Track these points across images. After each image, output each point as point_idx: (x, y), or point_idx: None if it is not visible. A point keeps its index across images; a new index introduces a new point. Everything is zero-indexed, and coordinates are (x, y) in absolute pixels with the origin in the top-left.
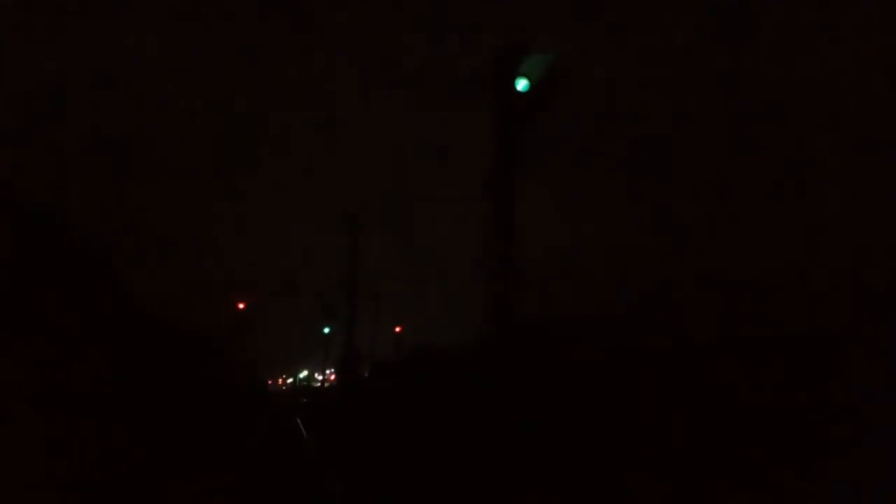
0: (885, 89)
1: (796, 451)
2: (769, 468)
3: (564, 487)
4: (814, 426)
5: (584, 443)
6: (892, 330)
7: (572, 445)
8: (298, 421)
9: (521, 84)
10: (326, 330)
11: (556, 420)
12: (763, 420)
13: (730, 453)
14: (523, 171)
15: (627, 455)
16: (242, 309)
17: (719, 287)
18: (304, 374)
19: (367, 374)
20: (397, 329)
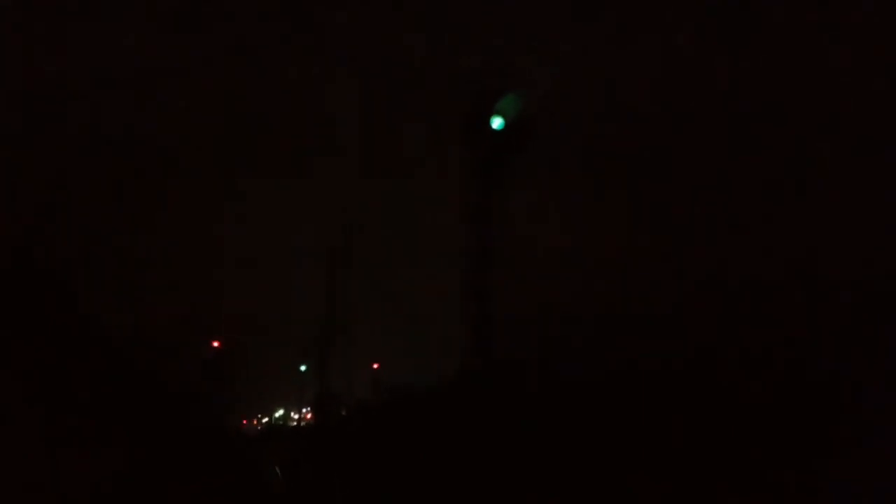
0: (886, 89)
1: (796, 451)
2: (769, 468)
3: None
4: (814, 426)
5: (579, 465)
6: (892, 330)
7: (567, 470)
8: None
9: (496, 122)
10: (303, 368)
11: (549, 445)
12: (763, 420)
13: (730, 453)
14: (502, 203)
15: (625, 463)
16: (219, 346)
17: (719, 287)
18: (279, 412)
19: (344, 414)
20: (375, 365)
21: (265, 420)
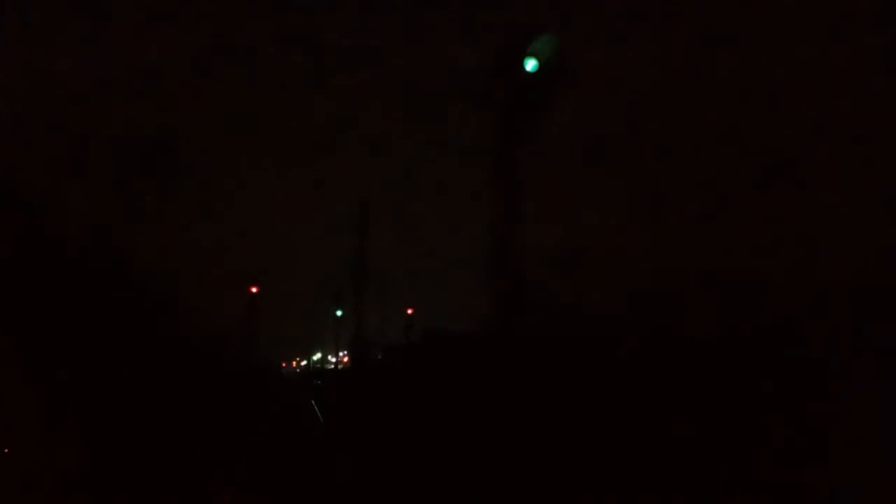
0: (886, 89)
1: (796, 451)
2: (769, 468)
3: (566, 474)
4: (814, 426)
5: (587, 435)
6: (892, 330)
7: (575, 437)
8: (313, 403)
9: (531, 64)
10: (339, 313)
11: (559, 411)
12: (762, 420)
13: (730, 453)
14: (528, 168)
15: (626, 448)
16: (255, 294)
17: (719, 286)
18: (317, 356)
19: (379, 357)
20: (409, 311)
21: (304, 363)
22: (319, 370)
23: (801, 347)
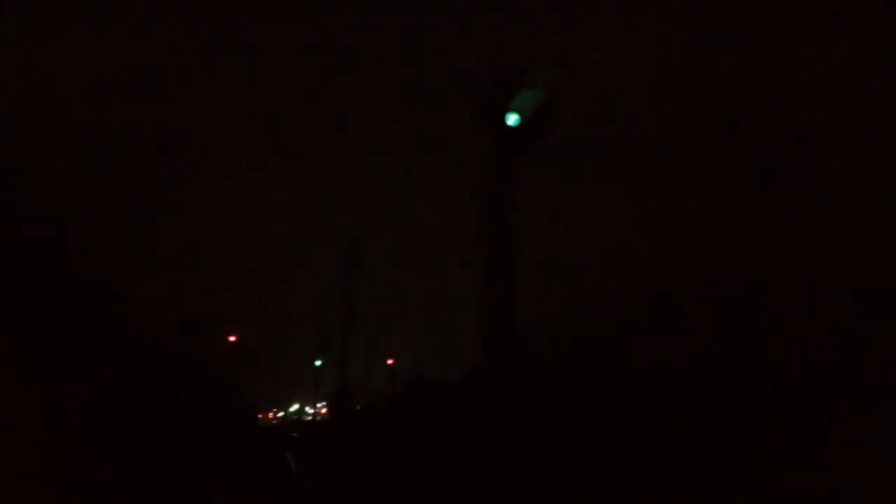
0: (886, 89)
1: (796, 451)
2: (769, 468)
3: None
4: (814, 426)
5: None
6: (892, 330)
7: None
8: (288, 455)
9: (512, 119)
10: (318, 363)
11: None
12: (762, 420)
13: (729, 453)
14: (516, 196)
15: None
16: (235, 341)
17: (719, 286)
18: (294, 407)
19: (359, 407)
20: (390, 361)
21: (280, 414)
22: (297, 420)
23: (801, 347)
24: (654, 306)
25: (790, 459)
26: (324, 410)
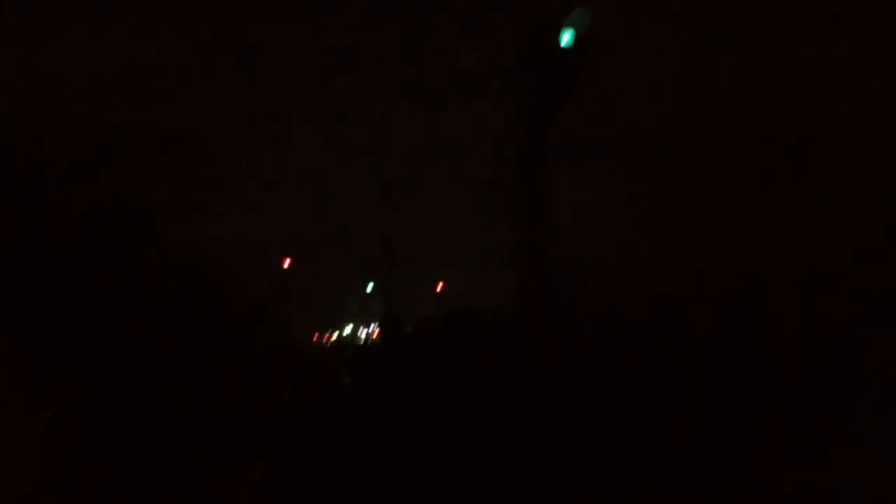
0: (886, 89)
1: (796, 451)
2: (769, 468)
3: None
4: (814, 426)
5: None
6: (892, 330)
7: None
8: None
9: (566, 38)
10: (369, 288)
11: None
12: (762, 420)
13: (729, 453)
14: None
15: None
16: (290, 265)
17: (719, 285)
18: (348, 330)
19: (409, 330)
20: (438, 288)
21: (334, 336)
22: (349, 343)
23: (802, 347)
24: (654, 306)
25: (790, 459)
26: (375, 333)
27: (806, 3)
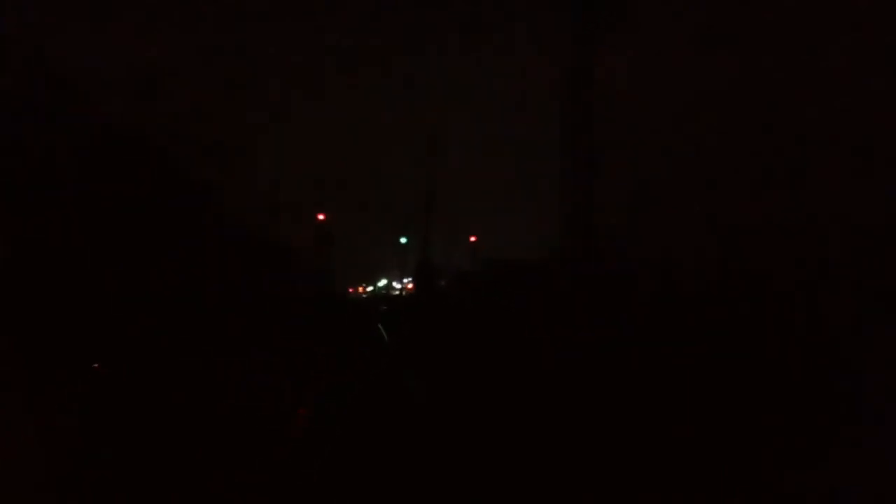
0: (886, 89)
1: (796, 451)
2: (769, 468)
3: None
4: (814, 426)
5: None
6: (892, 330)
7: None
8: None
9: None
10: (403, 240)
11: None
12: (762, 420)
13: (729, 453)
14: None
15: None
16: (323, 221)
17: (719, 285)
18: (382, 283)
19: (443, 283)
20: (472, 239)
21: (370, 289)
22: (384, 296)
23: (802, 347)
24: (654, 306)
25: (790, 459)
26: (410, 286)
27: (806, 3)
